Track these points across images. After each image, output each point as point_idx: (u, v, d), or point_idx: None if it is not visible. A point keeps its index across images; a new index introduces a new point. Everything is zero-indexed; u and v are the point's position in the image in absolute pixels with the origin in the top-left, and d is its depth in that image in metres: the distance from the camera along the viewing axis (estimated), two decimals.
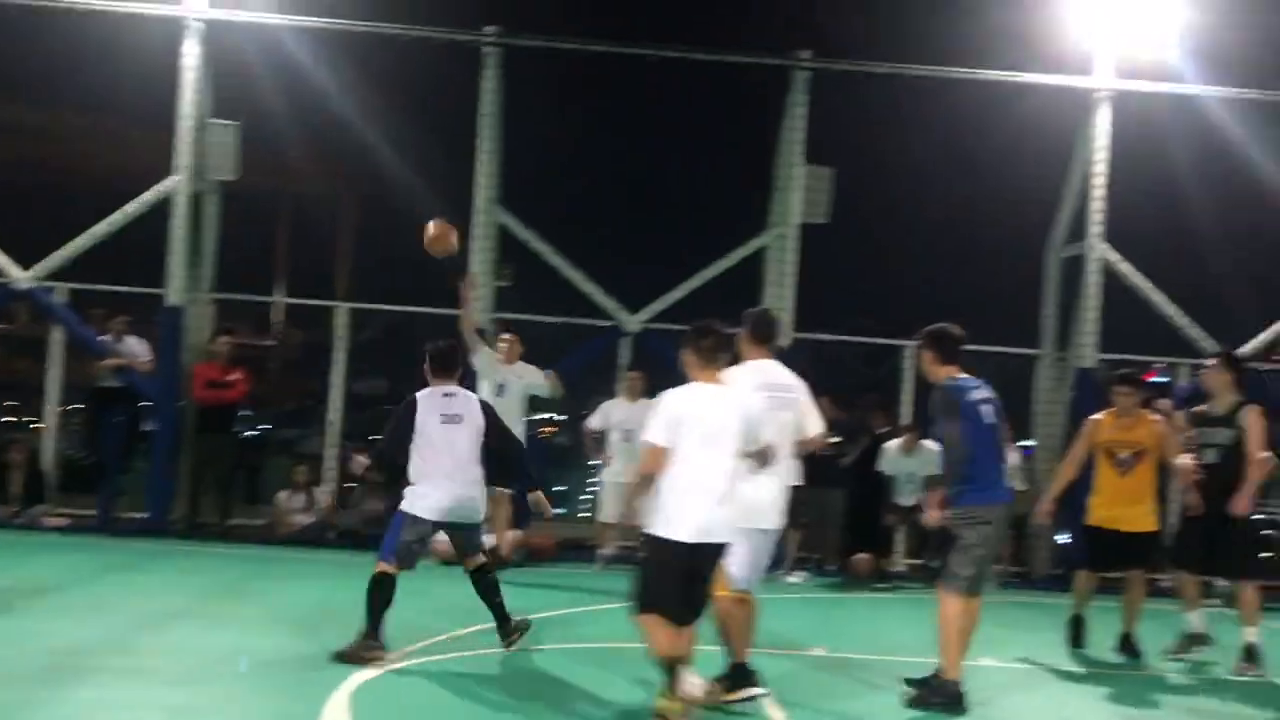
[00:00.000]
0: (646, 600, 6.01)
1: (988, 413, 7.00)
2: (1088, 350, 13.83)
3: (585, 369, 14.07)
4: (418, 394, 7.73)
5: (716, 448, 5.98)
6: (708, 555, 6.02)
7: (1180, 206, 15.59)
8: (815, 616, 10.28)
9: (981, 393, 7.04)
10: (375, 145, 18.34)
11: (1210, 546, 8.63)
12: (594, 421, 12.65)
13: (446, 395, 7.69)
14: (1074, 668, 8.59)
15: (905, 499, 12.85)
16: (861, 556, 12.89)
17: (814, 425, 6.95)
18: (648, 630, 6.02)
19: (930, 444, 12.88)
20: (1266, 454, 8.86)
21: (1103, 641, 9.01)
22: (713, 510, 5.94)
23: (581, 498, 14.77)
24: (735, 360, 6.70)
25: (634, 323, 13.73)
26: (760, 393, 6.52)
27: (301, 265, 25.03)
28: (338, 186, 25.38)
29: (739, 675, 6.64)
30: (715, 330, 6.21)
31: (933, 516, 7.96)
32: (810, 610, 10.64)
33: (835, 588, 12.30)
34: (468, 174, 13.67)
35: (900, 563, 13.38)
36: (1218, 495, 8.59)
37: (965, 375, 7.10)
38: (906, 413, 14.12)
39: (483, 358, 11.21)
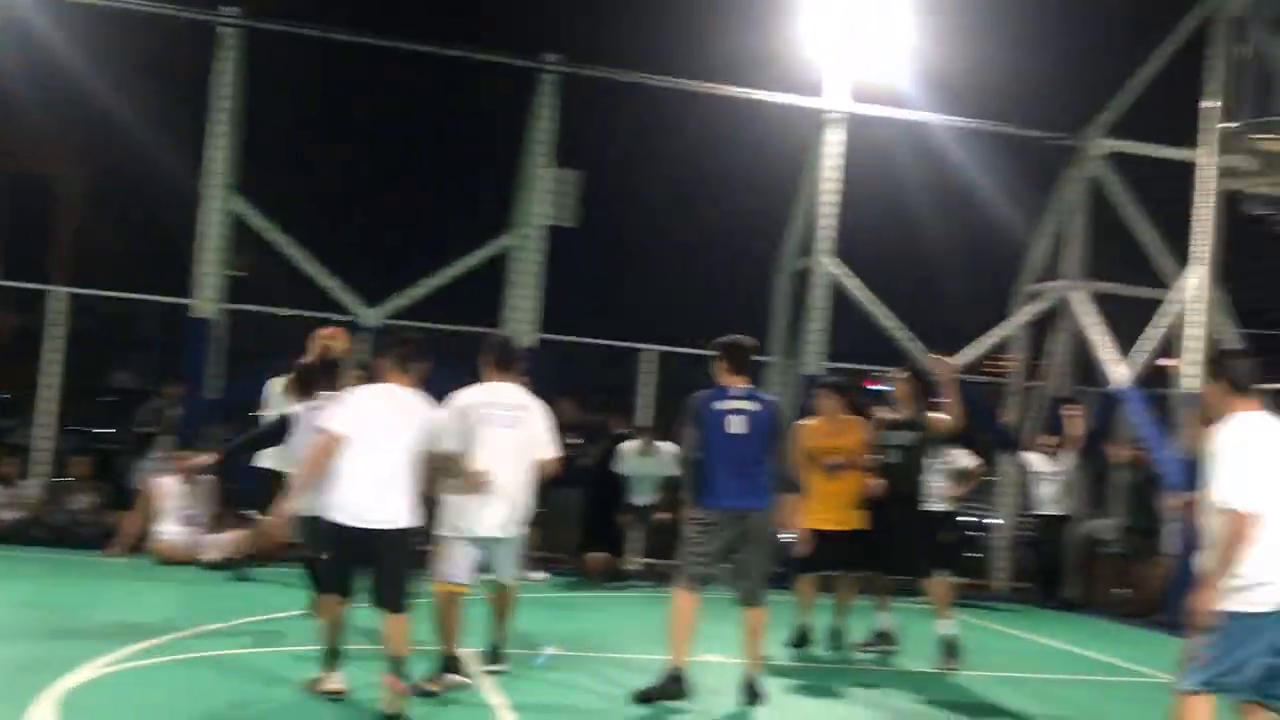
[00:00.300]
0: (320, 583, 6.75)
1: (733, 423, 7.25)
2: (814, 359, 14.49)
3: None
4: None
5: (388, 443, 6.32)
6: (376, 541, 6.24)
7: (907, 225, 16.51)
8: (550, 615, 10.37)
9: (735, 404, 7.30)
10: (107, 125, 17.42)
11: (897, 544, 9.15)
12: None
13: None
14: (792, 663, 8.98)
15: (641, 499, 13.15)
16: (597, 555, 13.11)
17: (545, 448, 7.34)
18: (322, 610, 6.62)
19: (666, 446, 13.23)
20: (978, 461, 9.51)
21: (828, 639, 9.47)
22: (378, 498, 6.24)
23: None
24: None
25: (372, 317, 13.52)
26: (486, 410, 7.15)
27: (18, 247, 23.44)
28: (64, 166, 23.93)
29: (448, 665, 7.12)
30: (409, 340, 6.70)
31: (665, 515, 8.30)
32: (546, 609, 10.73)
33: (571, 586, 12.46)
34: (199, 158, 13.19)
35: (634, 562, 13.67)
36: (902, 495, 9.16)
37: (738, 386, 7.38)
38: (644, 415, 14.45)
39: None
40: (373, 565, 6.29)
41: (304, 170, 16.54)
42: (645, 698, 7.13)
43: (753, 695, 7.33)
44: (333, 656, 6.60)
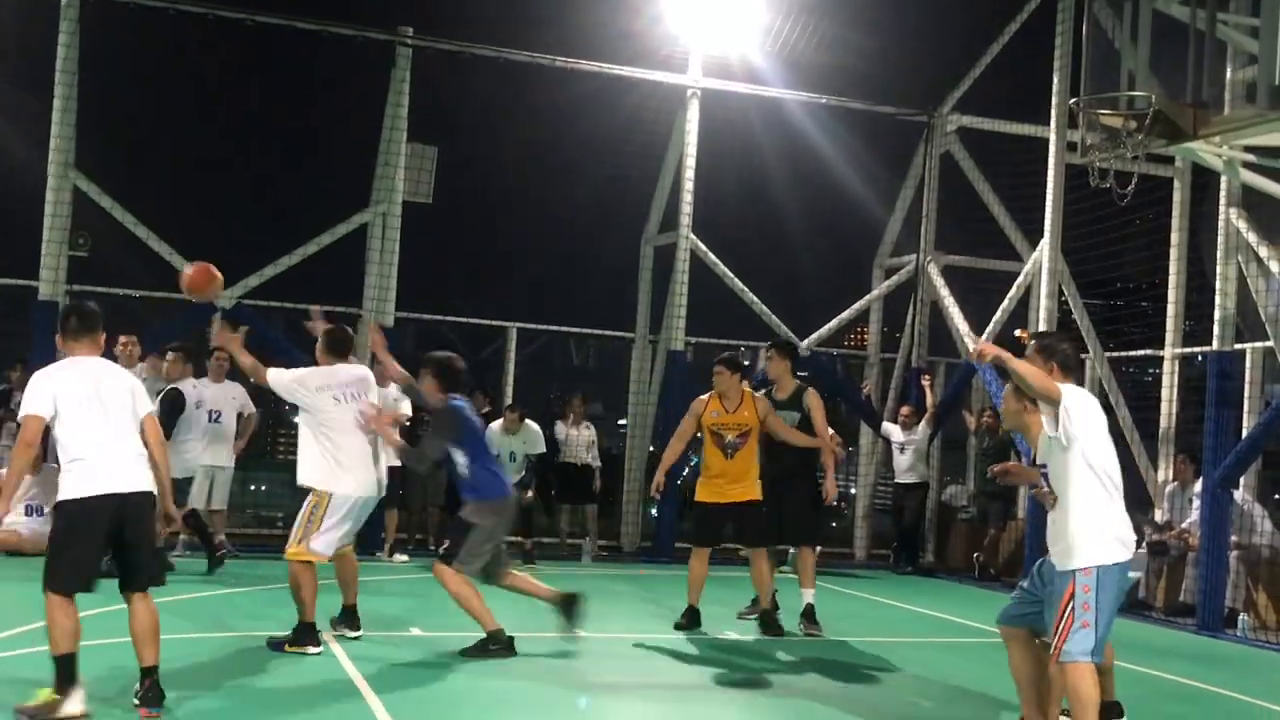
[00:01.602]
0: (59, 577, 5.82)
1: (480, 427, 8.51)
2: (677, 334, 14.57)
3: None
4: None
5: (106, 412, 5.94)
6: (126, 510, 5.88)
7: (767, 201, 16.65)
8: (414, 597, 10.26)
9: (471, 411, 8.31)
10: None
11: (786, 517, 9.31)
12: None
13: None
14: (669, 636, 9.03)
15: (508, 478, 13.05)
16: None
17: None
18: (51, 613, 5.75)
19: (532, 424, 13.16)
20: (830, 432, 9.71)
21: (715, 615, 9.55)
22: (117, 465, 5.89)
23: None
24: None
25: (226, 298, 13.12)
26: (330, 392, 7.77)
27: None
28: None
29: (304, 632, 7.61)
30: (81, 311, 6.28)
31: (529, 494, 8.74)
32: (410, 591, 10.61)
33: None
34: (43, 134, 12.62)
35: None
36: (785, 471, 9.29)
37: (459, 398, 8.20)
38: (509, 393, 14.37)
39: None
40: (123, 541, 5.89)
41: (151, 148, 15.95)
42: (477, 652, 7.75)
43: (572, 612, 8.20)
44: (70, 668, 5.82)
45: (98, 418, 5.90)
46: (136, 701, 5.90)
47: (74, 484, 5.82)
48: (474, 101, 14.52)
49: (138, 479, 5.95)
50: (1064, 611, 5.50)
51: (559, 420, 14.17)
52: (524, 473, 12.87)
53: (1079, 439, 5.59)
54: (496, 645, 7.80)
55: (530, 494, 12.59)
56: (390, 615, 9.05)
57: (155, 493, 6.07)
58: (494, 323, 14.92)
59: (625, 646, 8.62)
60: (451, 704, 6.74)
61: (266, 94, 15.12)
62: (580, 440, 13.97)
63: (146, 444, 6.07)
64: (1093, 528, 5.58)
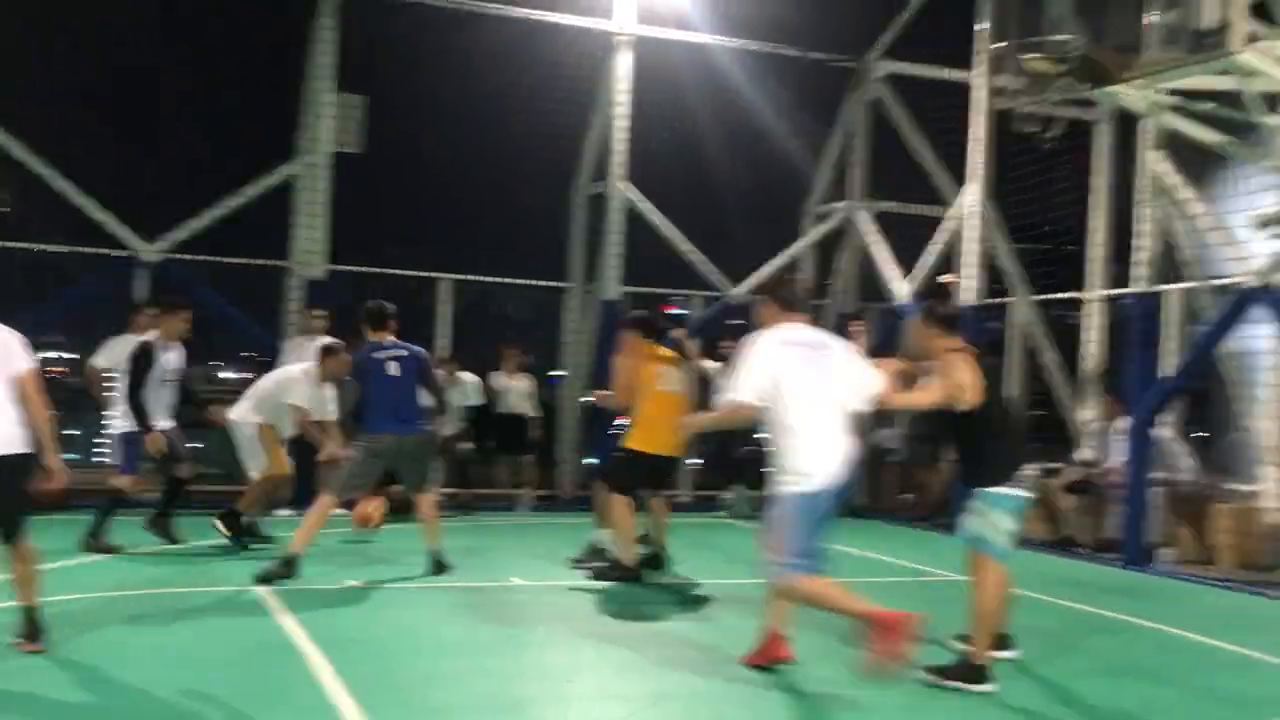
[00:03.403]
0: None
1: (391, 368, 8.97)
2: (612, 284, 14.57)
3: (96, 302, 13.13)
4: None
5: None
6: None
7: (698, 148, 16.62)
8: (349, 550, 10.24)
9: (392, 353, 9.02)
10: None
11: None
12: (99, 360, 11.75)
13: None
14: (588, 584, 9.12)
15: (444, 430, 13.03)
16: (395, 488, 12.96)
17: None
18: None
19: (467, 376, 13.11)
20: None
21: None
22: None
23: (96, 441, 13.75)
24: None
25: (152, 252, 12.92)
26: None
27: None
28: None
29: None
30: None
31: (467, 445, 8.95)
32: (343, 544, 10.58)
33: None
34: None
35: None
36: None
37: (387, 340, 9.08)
38: (443, 345, 14.30)
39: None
40: None
41: (72, 99, 15.54)
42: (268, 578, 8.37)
43: (440, 566, 9.03)
44: None
45: None
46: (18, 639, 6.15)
47: None
48: (401, 49, 14.30)
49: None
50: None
51: (495, 371, 14.15)
52: (462, 425, 12.84)
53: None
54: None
55: (467, 445, 12.58)
56: (325, 569, 9.05)
57: (28, 452, 6.06)
58: (427, 274, 14.81)
59: (559, 593, 8.70)
60: (398, 653, 6.76)
61: (193, 45, 14.81)
62: (517, 391, 13.96)
63: (23, 401, 6.00)
64: None
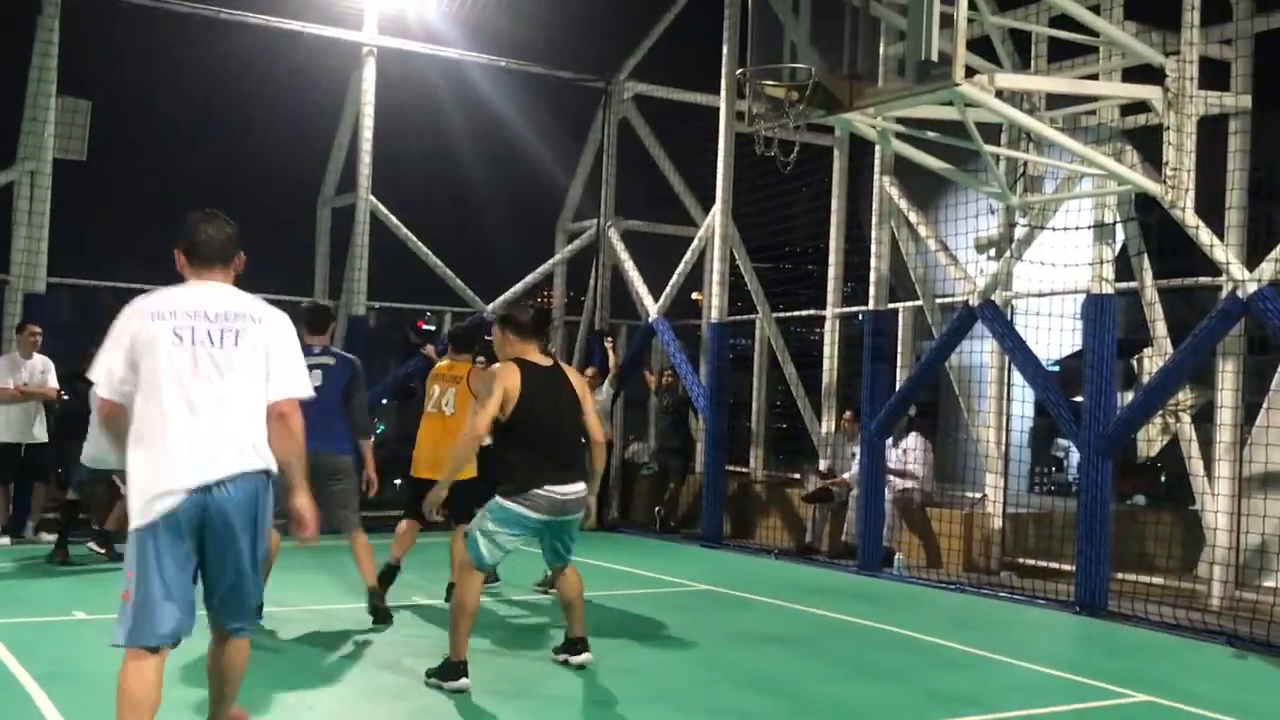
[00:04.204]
0: None
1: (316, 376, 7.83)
2: (358, 298, 14.24)
3: None
4: None
5: None
6: None
7: (450, 163, 16.46)
8: (80, 579, 9.64)
9: (316, 360, 7.90)
10: None
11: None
12: None
13: None
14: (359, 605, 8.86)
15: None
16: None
17: None
18: None
19: None
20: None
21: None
22: None
23: None
24: None
25: None
26: None
27: None
28: None
29: None
30: None
31: None
32: (70, 573, 9.95)
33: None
34: None
35: None
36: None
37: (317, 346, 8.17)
38: None
39: None
40: None
41: None
42: None
43: (380, 614, 8.04)
44: None
45: None
46: None
47: None
48: (130, 54, 13.58)
49: None
50: None
51: None
52: None
53: None
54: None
55: None
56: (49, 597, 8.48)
57: None
58: (159, 288, 14.07)
59: (317, 617, 8.41)
60: None
61: None
62: None
63: None
64: None
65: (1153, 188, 9.34)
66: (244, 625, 4.60)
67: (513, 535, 6.40)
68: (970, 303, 11.01)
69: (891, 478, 12.24)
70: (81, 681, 6.35)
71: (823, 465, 13.73)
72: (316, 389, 7.77)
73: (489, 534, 6.35)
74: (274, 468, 4.53)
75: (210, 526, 4.34)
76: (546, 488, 6.35)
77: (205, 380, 4.39)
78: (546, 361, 6.63)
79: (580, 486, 6.55)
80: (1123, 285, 10.38)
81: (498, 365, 6.49)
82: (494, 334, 6.74)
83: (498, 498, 6.40)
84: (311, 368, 7.87)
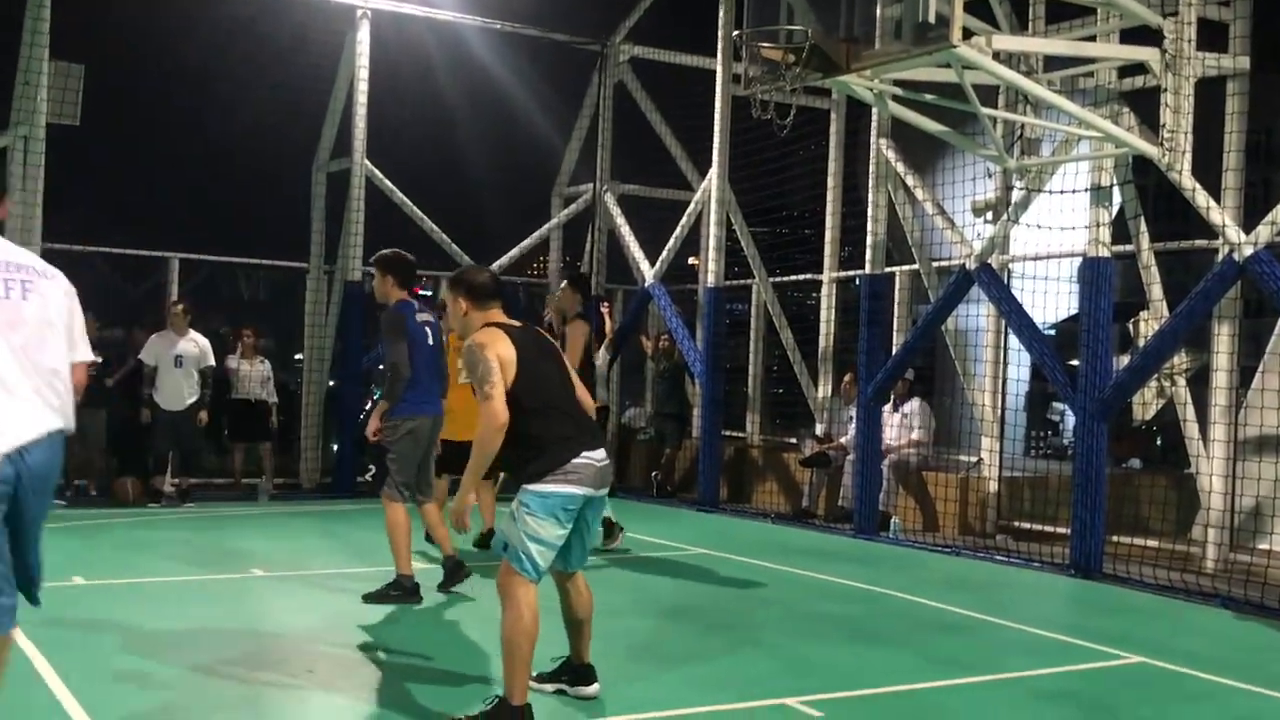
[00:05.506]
0: None
1: (430, 334, 7.87)
2: (354, 264, 14.21)
3: None
4: None
5: None
6: None
7: (446, 127, 16.42)
8: (76, 545, 9.66)
9: (425, 316, 7.88)
10: None
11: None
12: None
13: None
14: (356, 569, 8.90)
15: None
16: (125, 480, 12.42)
17: None
18: None
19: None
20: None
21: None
22: None
23: None
24: None
25: None
26: None
27: None
28: None
29: None
30: None
31: (373, 430, 8.00)
32: (70, 538, 9.97)
33: (100, 513, 11.64)
34: None
35: (168, 483, 12.90)
36: None
37: (413, 299, 7.89)
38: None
39: None
40: None
41: None
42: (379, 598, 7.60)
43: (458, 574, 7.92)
44: None
45: None
46: None
47: None
48: (124, 18, 13.51)
49: None
50: None
51: (230, 355, 13.59)
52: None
53: None
54: (398, 591, 7.72)
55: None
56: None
57: None
58: (153, 253, 14.06)
59: (300, 584, 8.44)
60: (118, 651, 6.39)
61: None
62: (254, 375, 13.46)
63: None
64: None
65: (1150, 150, 9.30)
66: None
67: (561, 527, 5.25)
68: (967, 266, 10.99)
69: (888, 440, 12.26)
70: (79, 646, 6.37)
71: (819, 429, 13.75)
72: (430, 348, 7.88)
73: (532, 535, 5.16)
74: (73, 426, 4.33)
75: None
76: (584, 454, 5.30)
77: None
78: (518, 323, 5.62)
79: (605, 453, 5.54)
80: (1119, 248, 10.37)
81: (475, 338, 5.34)
82: (448, 304, 5.66)
83: (528, 486, 5.22)
84: (424, 324, 7.85)
